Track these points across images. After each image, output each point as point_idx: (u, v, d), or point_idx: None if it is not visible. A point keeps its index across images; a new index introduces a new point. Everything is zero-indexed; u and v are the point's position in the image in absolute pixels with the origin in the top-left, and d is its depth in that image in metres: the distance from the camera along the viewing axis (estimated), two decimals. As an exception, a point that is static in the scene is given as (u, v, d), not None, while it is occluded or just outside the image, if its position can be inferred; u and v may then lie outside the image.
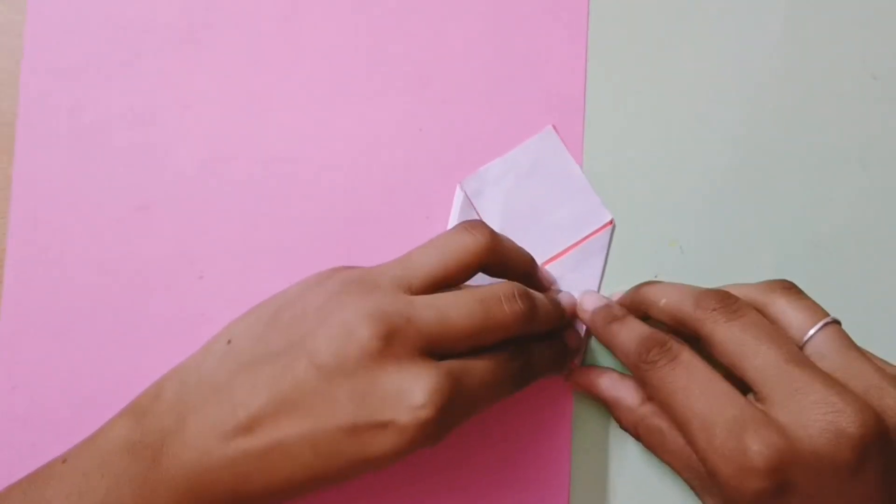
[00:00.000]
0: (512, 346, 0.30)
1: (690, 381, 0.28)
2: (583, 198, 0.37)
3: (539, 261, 0.36)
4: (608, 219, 0.37)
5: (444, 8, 0.37)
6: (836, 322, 0.29)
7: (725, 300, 0.30)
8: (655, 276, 0.36)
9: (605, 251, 0.36)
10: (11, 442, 0.33)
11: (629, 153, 0.37)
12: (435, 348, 0.27)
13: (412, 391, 0.26)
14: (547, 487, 0.35)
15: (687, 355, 0.29)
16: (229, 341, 0.29)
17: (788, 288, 0.31)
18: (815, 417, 0.26)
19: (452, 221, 0.36)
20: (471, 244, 0.30)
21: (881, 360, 0.30)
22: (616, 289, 0.36)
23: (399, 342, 0.27)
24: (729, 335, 0.29)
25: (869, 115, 0.38)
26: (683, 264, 0.37)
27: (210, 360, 0.29)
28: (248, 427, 0.26)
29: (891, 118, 0.38)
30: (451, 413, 0.27)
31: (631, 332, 0.31)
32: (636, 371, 0.30)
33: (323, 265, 0.31)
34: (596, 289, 0.36)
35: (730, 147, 0.37)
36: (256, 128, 0.36)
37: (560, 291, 0.35)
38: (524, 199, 0.36)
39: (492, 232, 0.31)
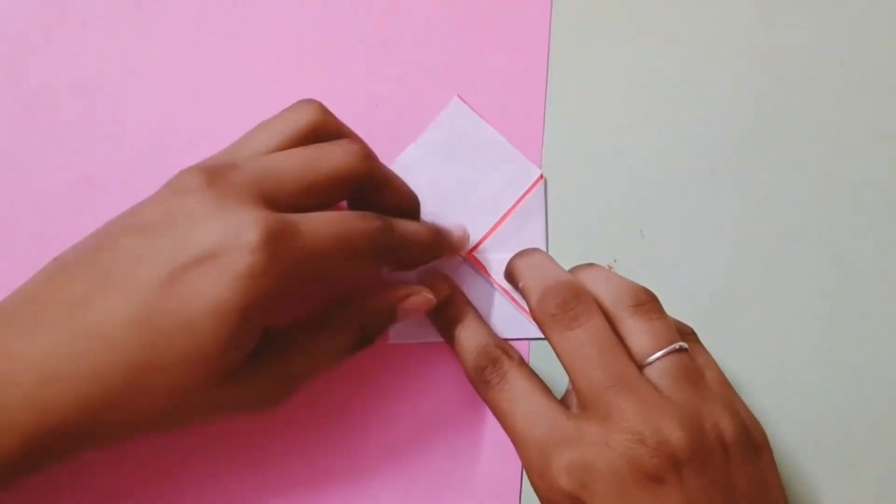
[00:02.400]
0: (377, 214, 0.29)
1: (513, 400, 0.29)
2: (508, 160, 0.36)
3: (480, 233, 0.35)
4: (538, 174, 0.36)
5: None
6: (682, 349, 0.29)
7: (565, 305, 0.29)
8: (615, 261, 0.36)
9: (544, 208, 0.36)
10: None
11: (590, 136, 0.36)
12: (267, 198, 0.27)
13: (238, 223, 0.25)
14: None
15: (513, 373, 0.30)
16: (56, 259, 0.27)
17: (642, 304, 0.29)
18: (619, 441, 0.26)
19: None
20: (342, 157, 0.29)
21: (722, 386, 0.30)
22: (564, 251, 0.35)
23: (223, 181, 0.26)
24: (560, 347, 0.29)
25: (839, 106, 0.37)
26: (643, 249, 0.36)
27: (37, 276, 0.27)
28: (71, 309, 0.25)
29: (861, 109, 0.37)
30: (287, 262, 0.25)
31: (469, 342, 0.32)
32: (473, 386, 0.31)
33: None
34: (544, 248, 0.35)
35: (694, 133, 0.37)
36: (205, 99, 0.35)
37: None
38: (449, 178, 0.35)
39: (367, 150, 0.30)
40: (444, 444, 0.34)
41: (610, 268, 0.36)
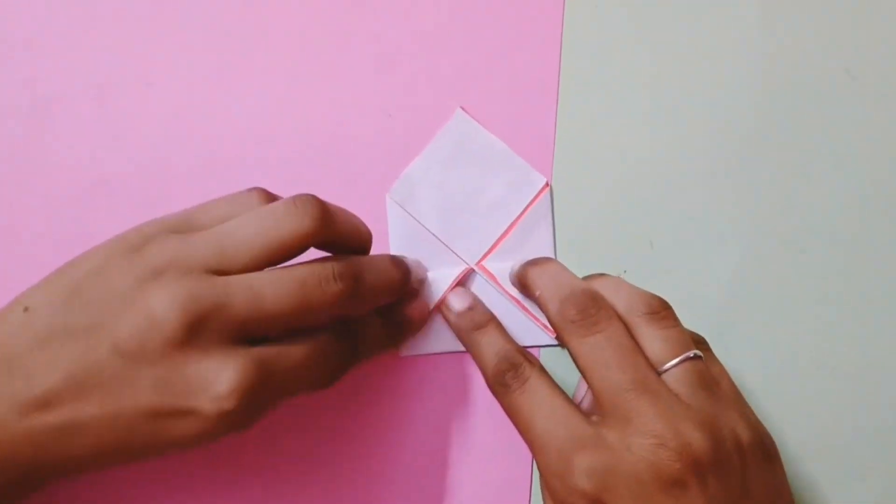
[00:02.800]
0: (339, 326, 0.29)
1: (534, 404, 0.29)
2: (512, 169, 0.36)
3: (487, 243, 0.35)
4: (543, 182, 0.36)
5: None
6: (696, 357, 0.29)
7: (586, 311, 0.29)
8: (625, 272, 0.36)
9: (550, 215, 0.36)
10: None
11: (601, 147, 0.36)
12: (248, 333, 0.27)
13: (216, 381, 0.25)
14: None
15: (535, 379, 0.30)
16: (26, 309, 0.27)
17: (657, 312, 0.30)
18: (640, 444, 0.27)
19: (391, 235, 0.35)
20: (297, 227, 0.27)
21: (735, 394, 0.30)
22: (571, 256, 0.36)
23: (207, 330, 0.26)
24: (580, 351, 0.29)
25: (844, 113, 0.37)
26: (653, 260, 0.36)
27: (4, 327, 0.27)
28: (45, 403, 0.26)
29: (865, 116, 0.37)
30: (258, 401, 0.26)
31: (490, 348, 0.32)
32: (492, 390, 0.31)
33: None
34: (551, 254, 0.36)
35: (703, 143, 0.37)
36: (218, 106, 0.36)
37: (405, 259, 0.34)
38: (456, 189, 0.36)
39: (323, 212, 0.28)
40: (454, 455, 0.35)
41: (621, 278, 0.36)
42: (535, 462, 0.30)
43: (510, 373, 0.30)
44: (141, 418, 0.26)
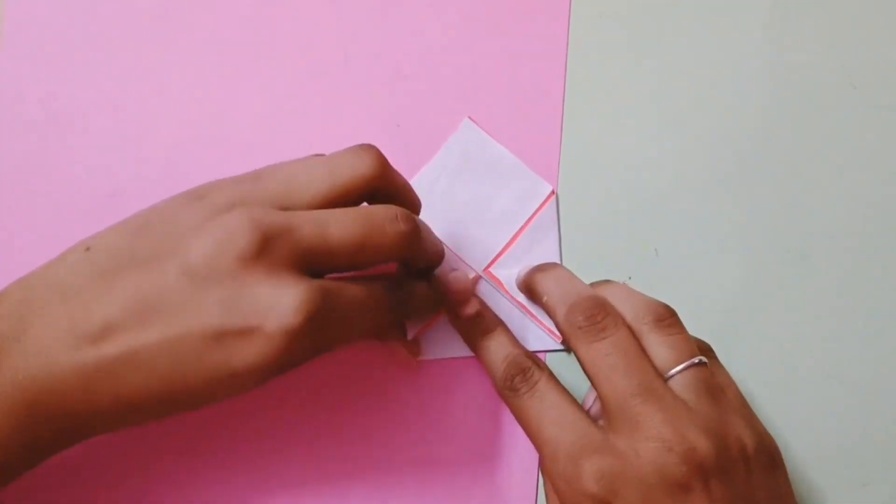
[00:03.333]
0: (392, 280, 0.30)
1: (543, 409, 0.30)
2: (519, 178, 0.37)
3: (495, 250, 0.36)
4: (549, 190, 0.37)
5: (423, 3, 0.37)
6: (702, 363, 0.30)
7: (593, 317, 0.30)
8: (629, 279, 0.36)
9: (556, 223, 0.36)
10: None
11: (605, 155, 0.37)
12: (312, 264, 0.27)
13: (283, 300, 0.25)
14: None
15: (543, 383, 0.30)
16: (88, 248, 0.27)
17: (663, 319, 0.30)
18: (648, 449, 0.27)
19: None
20: (360, 168, 0.29)
21: (740, 400, 0.31)
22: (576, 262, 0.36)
23: (276, 252, 0.26)
24: (588, 357, 0.29)
25: (847, 123, 0.38)
26: (658, 267, 0.37)
27: (63, 267, 0.27)
28: (102, 333, 0.25)
29: (868, 126, 0.38)
30: (321, 328, 0.26)
31: (498, 353, 0.32)
32: (500, 394, 0.32)
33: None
34: (558, 262, 0.36)
35: (707, 152, 0.37)
36: (229, 117, 0.36)
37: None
38: (463, 197, 0.36)
39: (382, 159, 0.29)
40: (462, 458, 0.35)
41: (625, 285, 0.36)
42: (542, 465, 0.31)
43: (519, 377, 0.31)
44: (203, 341, 0.25)
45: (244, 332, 0.25)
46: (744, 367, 0.36)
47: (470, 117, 0.37)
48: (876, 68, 0.38)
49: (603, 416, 0.29)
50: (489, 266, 0.36)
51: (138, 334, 0.25)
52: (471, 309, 0.34)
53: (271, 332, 0.25)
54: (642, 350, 0.29)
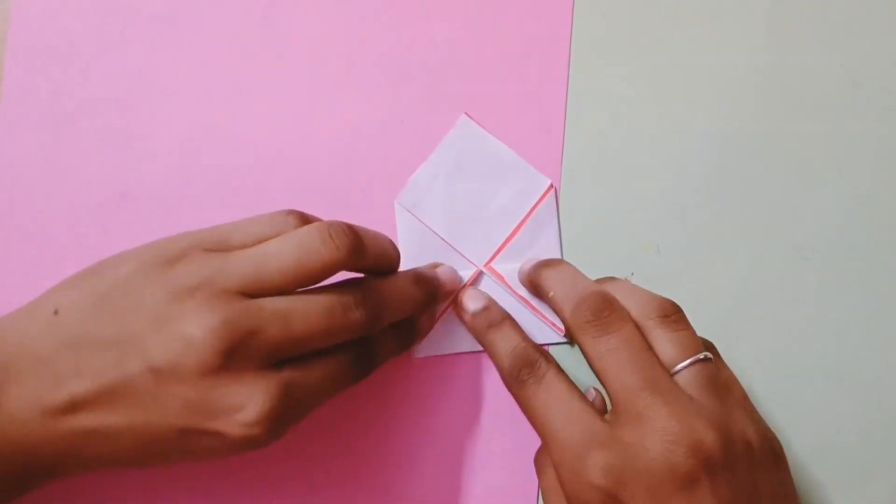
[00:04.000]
0: (357, 343, 0.30)
1: (550, 401, 0.30)
2: (518, 173, 0.37)
3: (495, 245, 0.36)
4: (548, 184, 0.37)
5: (429, 1, 0.38)
6: (707, 359, 0.30)
7: (600, 313, 0.30)
8: (632, 275, 0.36)
9: (556, 217, 0.37)
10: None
11: (608, 153, 0.37)
12: (278, 356, 0.27)
13: (245, 407, 0.26)
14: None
15: (551, 375, 0.30)
16: (56, 311, 0.28)
17: (668, 315, 0.30)
18: (655, 442, 0.27)
19: (400, 241, 0.36)
20: (330, 255, 0.28)
21: (744, 397, 0.31)
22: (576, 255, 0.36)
23: (240, 356, 0.26)
24: (595, 352, 0.30)
25: (849, 122, 0.38)
26: (660, 265, 0.37)
27: (33, 327, 0.28)
28: (72, 407, 0.26)
29: (870, 126, 0.38)
30: (282, 424, 0.27)
31: (506, 344, 0.32)
32: (507, 386, 0.32)
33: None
34: (558, 255, 0.36)
35: (710, 150, 0.37)
36: (237, 117, 0.37)
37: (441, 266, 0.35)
38: (463, 194, 0.37)
39: (356, 242, 0.29)
40: (464, 455, 0.35)
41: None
42: (546, 457, 0.31)
43: (526, 369, 0.31)
44: (167, 434, 0.26)
45: (207, 433, 0.26)
46: (745, 364, 0.36)
47: (467, 113, 0.37)
48: (878, 67, 0.38)
49: (610, 410, 0.30)
50: (490, 261, 0.36)
51: (105, 416, 0.26)
52: (478, 303, 0.34)
53: (232, 437, 0.26)
54: (648, 345, 0.30)
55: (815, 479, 0.36)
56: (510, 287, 0.36)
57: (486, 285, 0.36)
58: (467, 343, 0.35)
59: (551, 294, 0.32)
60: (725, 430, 0.28)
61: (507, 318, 0.34)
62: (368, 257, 0.30)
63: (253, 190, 0.36)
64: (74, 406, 0.26)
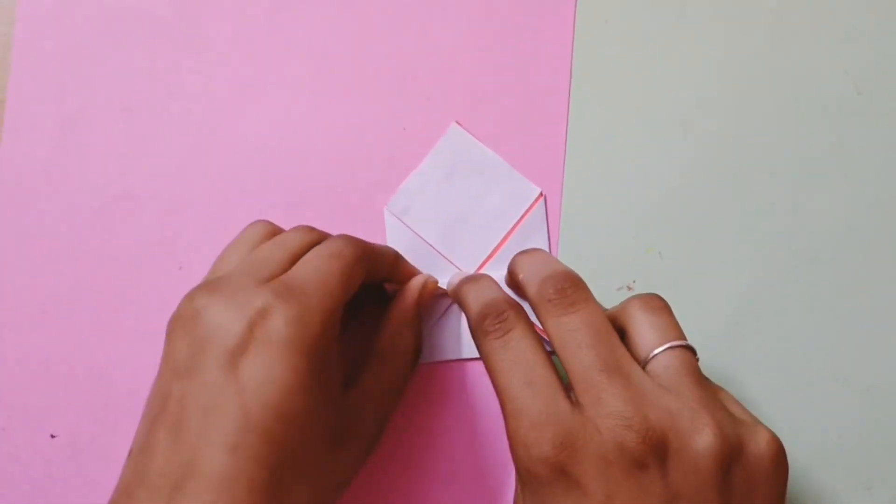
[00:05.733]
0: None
1: (514, 362, 0.28)
2: (507, 181, 0.37)
3: (484, 252, 0.36)
4: (537, 192, 0.37)
5: (431, 7, 0.38)
6: (687, 347, 0.29)
7: (563, 290, 0.29)
8: (633, 282, 0.37)
9: (545, 225, 0.37)
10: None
11: (610, 158, 0.37)
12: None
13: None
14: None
15: (518, 332, 0.29)
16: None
17: (649, 301, 0.30)
18: (609, 425, 0.26)
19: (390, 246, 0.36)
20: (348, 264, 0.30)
21: (725, 393, 0.30)
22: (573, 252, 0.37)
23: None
24: (556, 331, 0.29)
25: (851, 129, 0.38)
26: (662, 270, 0.37)
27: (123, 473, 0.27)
28: None
29: (872, 132, 0.38)
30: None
31: (478, 294, 0.31)
32: (472, 335, 0.31)
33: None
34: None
35: (711, 154, 0.37)
36: (239, 121, 0.37)
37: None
38: (453, 201, 0.37)
39: (357, 256, 0.30)
40: (465, 462, 0.35)
41: (629, 288, 0.37)
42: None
43: (491, 318, 0.30)
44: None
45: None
46: (748, 369, 0.36)
47: (457, 121, 0.37)
48: (881, 73, 0.38)
49: (571, 389, 0.29)
50: (480, 267, 0.36)
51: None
52: (458, 276, 0.35)
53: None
54: (610, 327, 0.29)
55: (818, 486, 0.36)
56: (499, 294, 0.36)
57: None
58: (468, 350, 0.36)
59: (521, 276, 0.32)
60: (688, 417, 0.27)
61: (487, 276, 0.33)
62: (380, 272, 0.32)
63: (253, 194, 0.36)
64: None
